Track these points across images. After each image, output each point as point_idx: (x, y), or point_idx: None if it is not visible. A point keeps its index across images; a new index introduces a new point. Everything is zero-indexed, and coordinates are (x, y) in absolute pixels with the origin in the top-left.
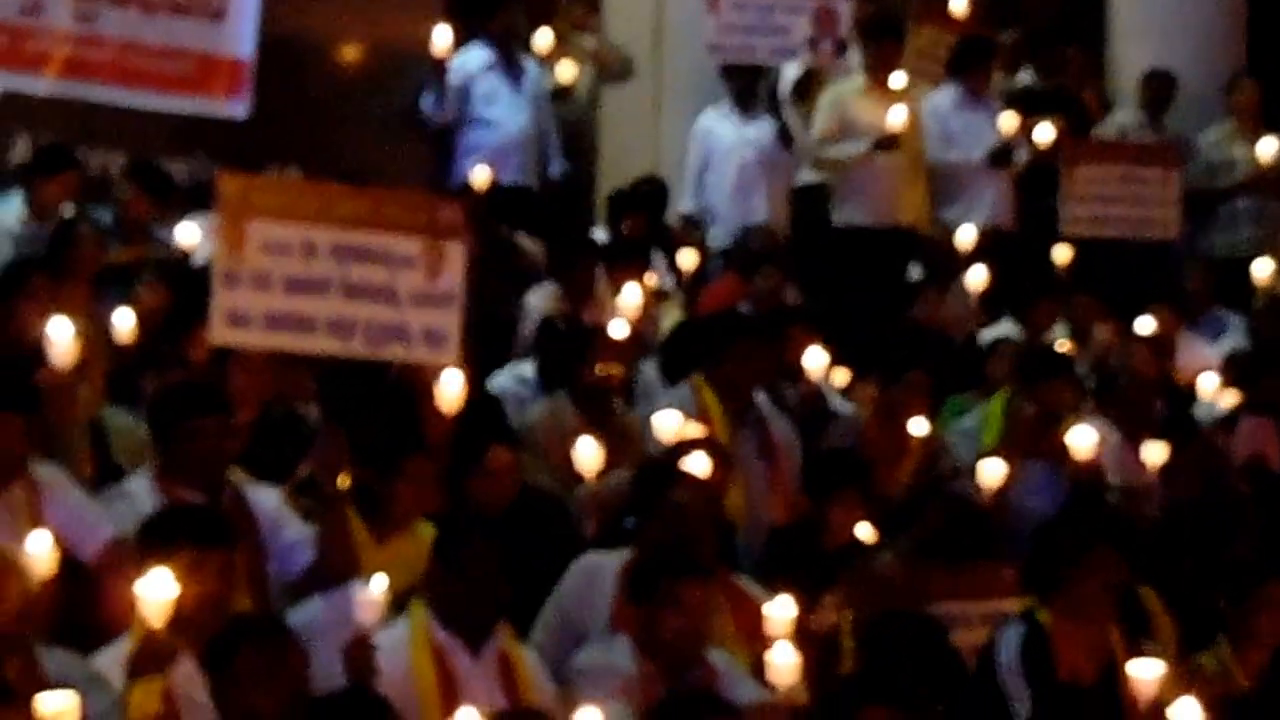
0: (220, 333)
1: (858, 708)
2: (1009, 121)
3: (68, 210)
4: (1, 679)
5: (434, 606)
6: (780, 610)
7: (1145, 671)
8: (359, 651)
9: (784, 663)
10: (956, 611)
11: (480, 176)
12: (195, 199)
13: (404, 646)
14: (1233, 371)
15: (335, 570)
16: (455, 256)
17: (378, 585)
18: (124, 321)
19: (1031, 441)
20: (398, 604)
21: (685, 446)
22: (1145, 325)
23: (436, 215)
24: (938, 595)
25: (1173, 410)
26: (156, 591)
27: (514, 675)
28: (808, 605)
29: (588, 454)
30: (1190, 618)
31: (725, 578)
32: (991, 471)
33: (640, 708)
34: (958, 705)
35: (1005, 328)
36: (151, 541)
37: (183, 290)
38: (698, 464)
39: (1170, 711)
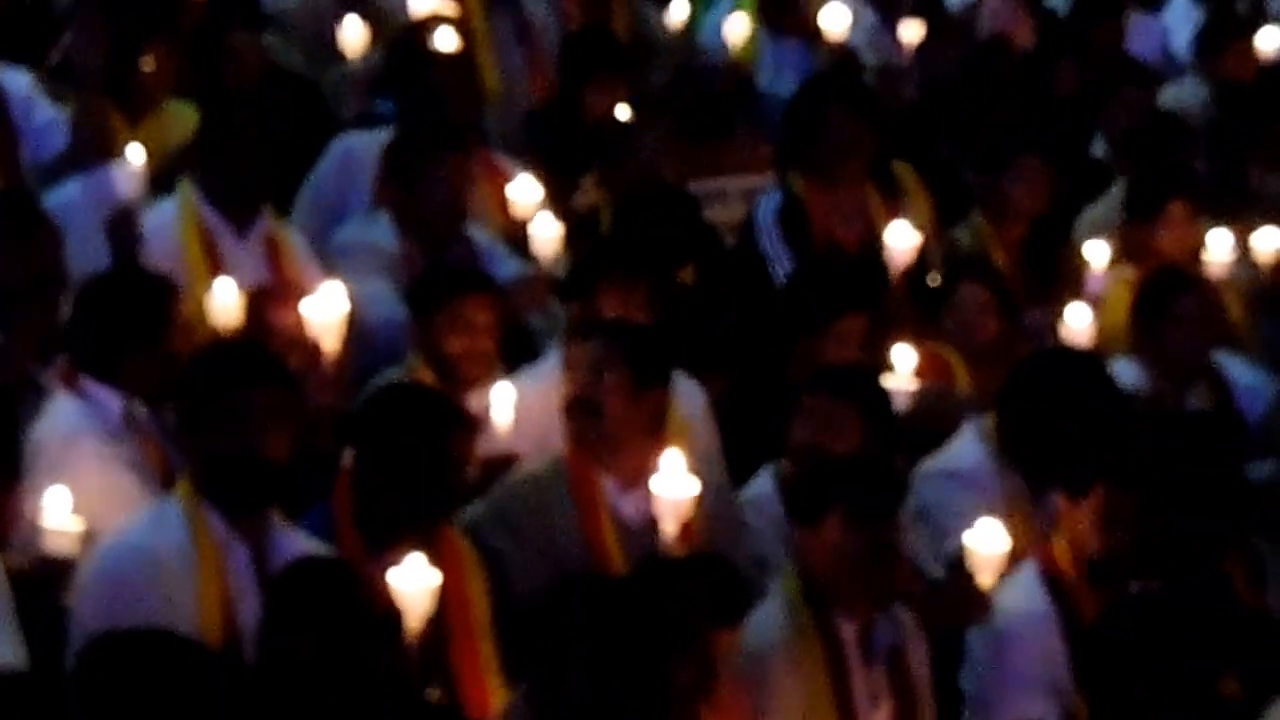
0: None
1: (597, 279)
2: None
3: None
4: None
5: (201, 185)
6: (525, 191)
7: (900, 240)
8: (122, 225)
9: (545, 235)
10: (714, 187)
11: None
12: None
13: (171, 225)
14: None
15: (91, 151)
16: None
17: (136, 157)
18: None
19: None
20: (158, 184)
21: (433, 22)
22: None
23: None
24: (695, 172)
25: None
26: None
27: (280, 255)
28: (566, 185)
29: (353, 34)
30: (945, 194)
31: (484, 154)
32: (737, 32)
33: (401, 284)
34: (716, 274)
35: None
36: None
37: None
38: (446, 41)
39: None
